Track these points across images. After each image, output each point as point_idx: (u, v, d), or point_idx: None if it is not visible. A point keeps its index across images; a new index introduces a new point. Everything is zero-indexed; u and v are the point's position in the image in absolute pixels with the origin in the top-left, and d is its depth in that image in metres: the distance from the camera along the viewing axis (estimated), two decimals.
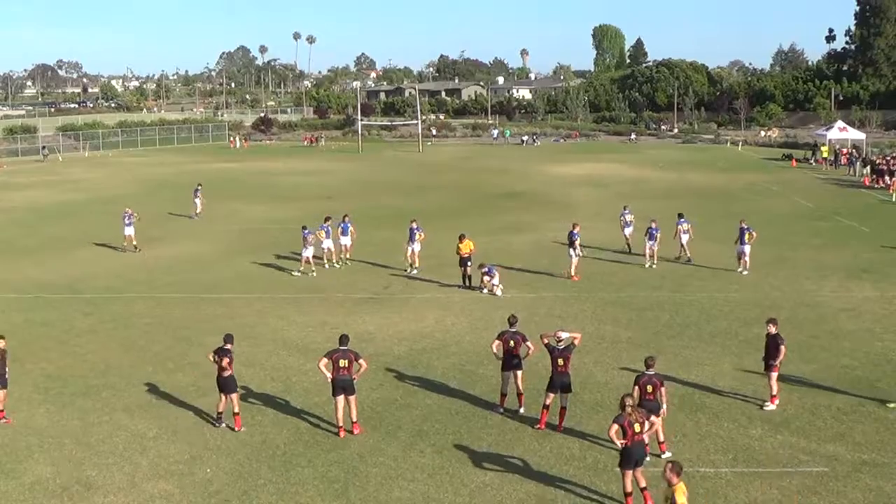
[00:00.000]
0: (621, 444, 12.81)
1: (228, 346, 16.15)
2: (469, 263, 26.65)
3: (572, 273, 27.45)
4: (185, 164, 70.44)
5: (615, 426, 12.84)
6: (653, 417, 13.37)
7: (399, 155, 78.36)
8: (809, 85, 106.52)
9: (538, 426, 15.88)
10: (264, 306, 24.90)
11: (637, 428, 12.78)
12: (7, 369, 16.75)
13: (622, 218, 32.30)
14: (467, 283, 26.59)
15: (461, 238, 27.05)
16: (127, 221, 33.09)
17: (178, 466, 14.71)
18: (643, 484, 12.97)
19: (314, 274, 28.63)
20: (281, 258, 31.55)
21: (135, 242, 33.04)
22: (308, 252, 28.69)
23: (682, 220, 30.20)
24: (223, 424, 16.17)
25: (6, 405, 16.73)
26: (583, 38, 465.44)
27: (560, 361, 15.68)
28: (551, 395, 15.80)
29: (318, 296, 26.01)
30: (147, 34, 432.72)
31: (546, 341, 16.00)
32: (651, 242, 28.86)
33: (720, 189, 50.60)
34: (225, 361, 15.85)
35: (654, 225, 28.94)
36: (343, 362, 15.66)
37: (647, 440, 13.35)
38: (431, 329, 22.40)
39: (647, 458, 13.97)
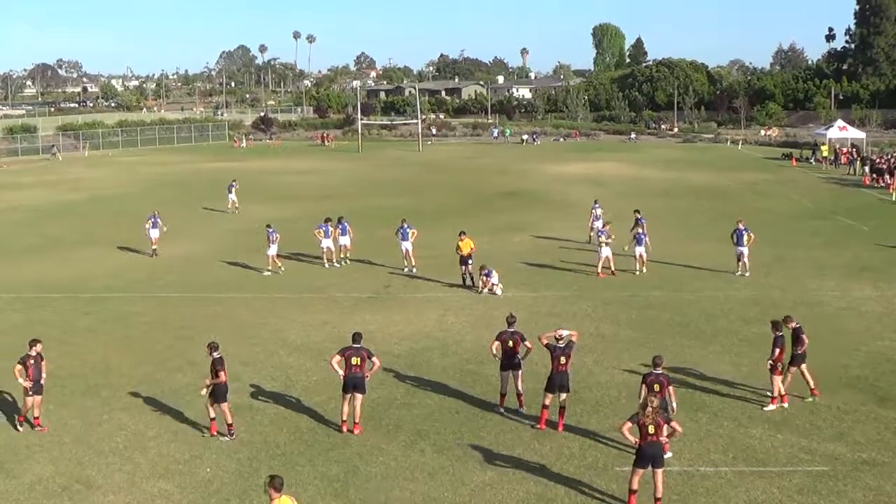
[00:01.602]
0: (634, 442, 12.75)
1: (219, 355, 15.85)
2: (469, 262, 26.62)
3: (599, 270, 27.73)
4: (186, 164, 70.49)
5: (629, 423, 12.82)
6: (674, 423, 13.18)
7: (399, 154, 78.35)
8: (809, 84, 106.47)
9: (539, 426, 15.86)
10: (264, 305, 24.90)
11: (651, 429, 12.67)
12: (44, 374, 16.24)
13: (592, 211, 33.90)
14: (468, 283, 26.58)
15: (461, 236, 27.02)
16: (152, 224, 32.39)
17: (178, 466, 14.71)
18: (659, 493, 12.86)
19: (283, 270, 28.92)
20: (280, 257, 31.49)
21: (155, 246, 32.41)
22: (272, 250, 28.97)
23: (640, 217, 30.43)
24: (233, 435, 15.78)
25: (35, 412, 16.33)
26: (583, 37, 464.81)
27: (562, 360, 15.66)
28: (550, 395, 15.78)
29: (318, 295, 26.01)
30: (147, 34, 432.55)
31: (546, 342, 15.97)
32: (640, 248, 28.03)
33: (720, 188, 50.62)
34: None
35: (641, 231, 28.34)
36: (355, 360, 15.68)
37: (663, 441, 13.14)
38: (432, 328, 22.39)
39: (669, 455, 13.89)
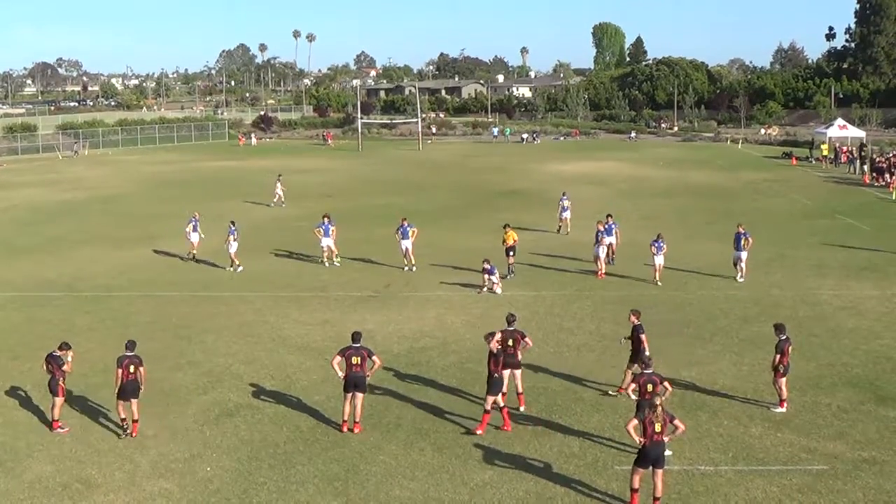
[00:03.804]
0: (640, 441, 12.63)
1: (132, 353, 15.79)
2: (512, 253, 27.47)
3: (600, 270, 27.81)
4: (186, 163, 70.46)
5: (634, 421, 12.70)
6: (676, 421, 13.00)
7: (399, 153, 78.34)
8: (809, 83, 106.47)
9: (505, 427, 15.70)
10: (264, 304, 24.89)
11: (657, 427, 12.59)
12: (66, 372, 16.21)
13: (560, 203, 35.98)
14: (510, 272, 27.52)
15: (505, 228, 27.95)
16: (193, 227, 31.07)
17: (178, 465, 14.71)
18: (658, 493, 12.81)
19: (241, 269, 29.08)
20: (280, 256, 31.55)
21: (194, 250, 31.13)
22: (233, 248, 29.25)
23: (612, 223, 29.44)
24: (127, 434, 15.76)
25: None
26: (583, 36, 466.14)
27: (500, 363, 15.65)
28: (497, 397, 15.69)
29: (318, 294, 26.00)
30: (147, 32, 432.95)
31: (496, 347, 15.74)
32: (658, 257, 26.51)
33: (720, 187, 50.61)
34: (133, 368, 15.52)
35: (660, 239, 26.92)
36: (356, 359, 15.69)
37: (666, 441, 13.06)
38: (431, 327, 22.39)
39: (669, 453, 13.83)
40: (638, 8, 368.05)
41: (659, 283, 26.47)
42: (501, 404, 15.75)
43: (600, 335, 21.52)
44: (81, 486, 13.99)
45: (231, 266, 29.35)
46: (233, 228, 29.50)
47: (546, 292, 25.87)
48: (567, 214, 35.65)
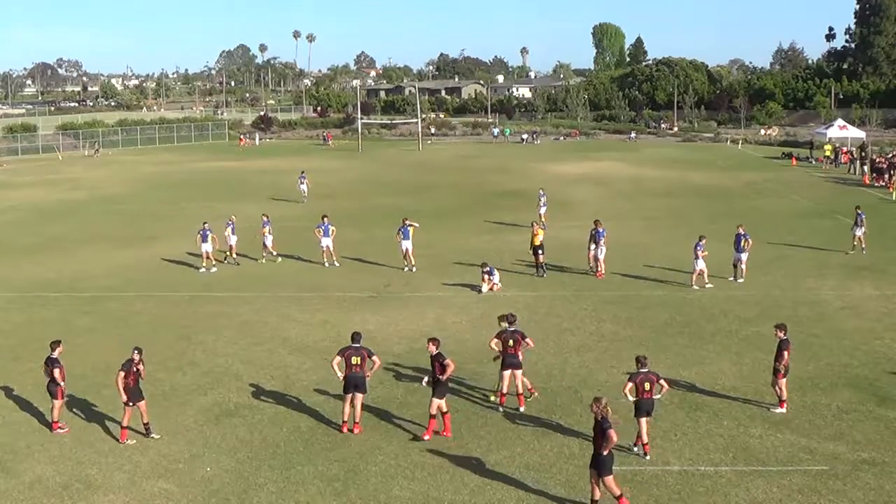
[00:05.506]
0: (611, 448, 12.56)
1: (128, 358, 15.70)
2: (542, 252, 27.66)
3: (600, 270, 27.83)
4: (187, 163, 70.44)
5: (614, 431, 12.61)
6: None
7: (399, 153, 78.32)
8: (809, 83, 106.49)
9: (445, 433, 15.60)
10: (264, 304, 24.89)
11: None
12: (63, 371, 16.21)
13: (539, 199, 37.22)
14: (542, 270, 27.76)
15: (533, 226, 28.35)
16: (232, 230, 30.48)
17: (179, 465, 14.71)
18: (607, 493, 12.76)
19: (214, 269, 29.30)
20: (280, 256, 31.50)
21: (235, 253, 30.76)
22: (207, 247, 29.44)
23: (601, 229, 28.15)
24: (154, 434, 15.76)
25: (61, 415, 16.32)
26: (583, 36, 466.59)
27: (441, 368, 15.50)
28: (438, 402, 15.60)
29: (318, 294, 26.00)
30: (147, 33, 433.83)
31: (437, 350, 15.71)
32: (699, 262, 25.69)
33: (720, 188, 50.61)
34: (131, 377, 15.45)
35: (702, 243, 25.91)
36: (355, 359, 15.68)
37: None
38: (431, 328, 22.33)
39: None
40: (638, 8, 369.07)
41: (709, 285, 25.76)
42: (445, 409, 15.64)
43: (600, 335, 21.52)
44: (82, 487, 13.99)
45: (203, 266, 29.55)
46: (207, 230, 29.66)
47: (546, 293, 25.87)
48: (545, 210, 36.81)
